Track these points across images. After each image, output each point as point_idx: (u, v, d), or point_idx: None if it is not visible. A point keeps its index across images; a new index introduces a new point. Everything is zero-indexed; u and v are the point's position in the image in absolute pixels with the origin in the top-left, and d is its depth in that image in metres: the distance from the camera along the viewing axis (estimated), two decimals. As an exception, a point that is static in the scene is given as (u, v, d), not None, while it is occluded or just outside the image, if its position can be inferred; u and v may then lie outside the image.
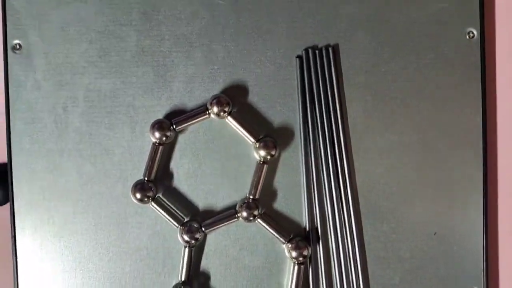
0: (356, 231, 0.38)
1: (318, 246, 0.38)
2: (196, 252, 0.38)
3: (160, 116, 0.38)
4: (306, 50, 0.38)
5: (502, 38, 0.39)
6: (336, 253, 0.38)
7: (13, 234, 0.37)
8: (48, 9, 0.37)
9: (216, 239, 0.38)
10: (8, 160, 0.37)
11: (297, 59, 0.38)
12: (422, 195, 0.38)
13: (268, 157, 0.37)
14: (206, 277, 0.38)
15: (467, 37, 0.38)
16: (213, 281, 0.38)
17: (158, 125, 0.36)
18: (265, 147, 0.36)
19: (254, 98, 0.38)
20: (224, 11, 0.38)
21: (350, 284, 0.38)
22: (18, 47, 0.37)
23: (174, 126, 0.37)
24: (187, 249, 0.37)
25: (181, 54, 0.38)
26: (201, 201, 0.38)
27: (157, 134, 0.36)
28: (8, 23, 0.37)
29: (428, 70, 0.38)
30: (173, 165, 0.38)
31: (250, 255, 0.38)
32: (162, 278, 0.38)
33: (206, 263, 0.38)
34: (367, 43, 0.38)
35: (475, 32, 0.38)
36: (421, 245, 0.38)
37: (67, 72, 0.38)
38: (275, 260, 0.38)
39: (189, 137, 0.38)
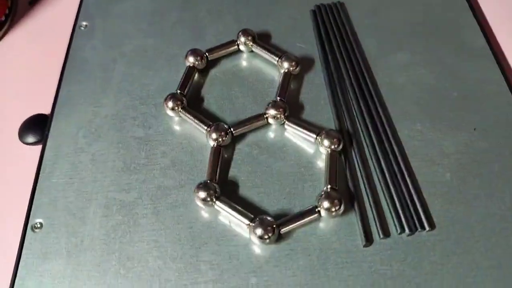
0: (390, 132, 0.36)
1: (351, 143, 0.36)
2: (224, 159, 0.36)
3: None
4: (317, 5, 0.45)
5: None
6: (371, 147, 0.35)
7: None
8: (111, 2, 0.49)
9: (245, 148, 0.37)
10: (53, 104, 0.41)
11: (311, 11, 0.45)
12: (448, 99, 0.38)
13: (291, 68, 0.39)
14: (234, 183, 0.35)
15: None
16: (241, 187, 0.35)
17: (192, 51, 0.41)
18: (287, 59, 0.40)
19: (276, 40, 0.43)
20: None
21: (393, 178, 0.34)
22: (84, 26, 0.47)
23: (207, 54, 0.41)
24: (214, 148, 0.36)
25: (214, 19, 0.46)
26: (229, 118, 0.39)
27: (191, 59, 0.41)
28: (81, 10, 0.48)
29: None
30: (204, 90, 0.41)
31: (281, 160, 0.36)
32: (186, 191, 0.35)
33: (234, 171, 0.36)
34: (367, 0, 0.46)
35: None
36: (463, 140, 0.36)
37: (120, 37, 0.45)
38: (307, 165, 0.35)
39: (220, 67, 0.42)
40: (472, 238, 0.31)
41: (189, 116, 0.38)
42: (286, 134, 0.37)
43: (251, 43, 0.42)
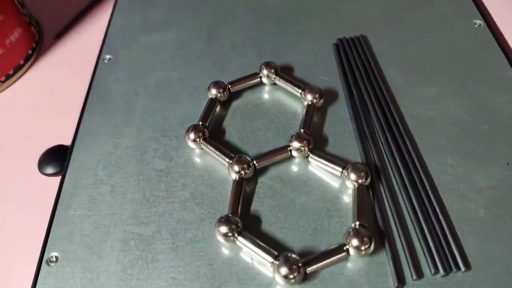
0: (418, 163, 0.35)
1: (379, 178, 0.34)
2: (247, 195, 0.35)
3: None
4: (340, 39, 0.45)
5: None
6: (401, 181, 0.34)
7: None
8: (135, 34, 0.49)
9: (268, 181, 0.36)
10: (74, 135, 0.41)
11: (333, 45, 0.45)
12: (479, 133, 0.37)
13: (315, 100, 0.39)
14: (256, 218, 0.34)
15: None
16: (264, 223, 0.33)
17: (214, 83, 0.41)
18: (311, 91, 0.39)
19: (299, 74, 0.43)
20: (269, 20, 0.48)
21: (425, 215, 0.32)
22: (108, 59, 0.47)
23: (229, 86, 0.41)
24: (236, 182, 0.34)
25: (237, 52, 0.46)
26: (251, 150, 0.38)
27: (213, 91, 0.40)
28: (105, 43, 0.49)
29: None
30: (226, 122, 0.40)
31: (305, 195, 0.34)
32: (206, 225, 0.34)
33: (257, 205, 0.34)
34: (390, 33, 0.45)
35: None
36: (496, 174, 0.34)
37: (143, 69, 0.46)
38: (332, 200, 0.34)
39: (242, 99, 0.41)
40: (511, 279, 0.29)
41: (210, 148, 0.37)
42: (310, 167, 0.36)
43: (274, 76, 0.41)
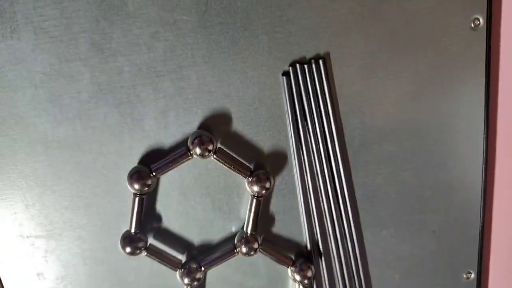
0: (357, 243, 0.37)
1: (320, 262, 0.38)
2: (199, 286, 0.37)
3: (135, 160, 0.33)
4: (293, 65, 0.33)
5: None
6: (339, 268, 0.38)
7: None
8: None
9: (218, 269, 0.37)
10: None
11: (283, 77, 0.33)
12: (420, 199, 0.37)
13: (263, 191, 0.34)
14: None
15: (472, 26, 0.34)
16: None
17: (136, 175, 0.32)
18: (259, 181, 0.33)
19: (238, 126, 0.34)
20: (190, 28, 0.31)
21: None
22: None
23: (154, 174, 0.33)
24: (189, 288, 0.36)
25: (147, 87, 0.32)
26: (196, 238, 0.36)
27: (136, 186, 0.32)
28: None
29: (429, 70, 0.34)
30: (160, 207, 0.35)
31: (253, 278, 0.38)
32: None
33: (209, 293, 0.38)
34: (362, 45, 0.33)
35: (481, 20, 0.33)
36: (419, 243, 0.39)
37: (17, 126, 0.32)
38: (279, 281, 0.38)
39: (173, 176, 0.34)
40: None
41: (155, 258, 0.35)
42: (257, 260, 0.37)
43: (211, 154, 0.33)
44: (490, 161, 0.37)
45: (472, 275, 0.40)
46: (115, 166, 0.33)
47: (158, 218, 0.35)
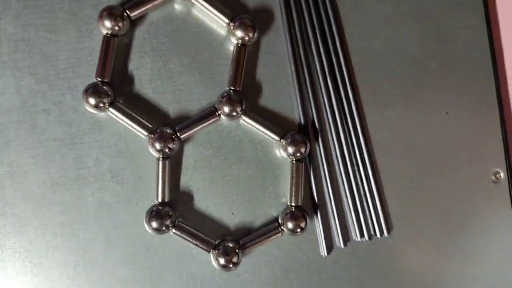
0: (358, 118, 0.32)
1: (316, 141, 0.32)
2: (174, 167, 0.31)
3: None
4: None
5: None
6: (339, 147, 0.32)
7: None
8: None
9: (196, 150, 0.31)
10: None
11: None
12: (427, 70, 0.33)
13: (247, 38, 0.30)
14: (188, 195, 0.31)
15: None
16: (197, 200, 0.31)
17: (107, 12, 0.29)
18: (242, 25, 0.30)
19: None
20: None
21: (357, 180, 0.32)
22: None
23: (128, 13, 0.30)
24: (160, 162, 0.30)
25: None
26: (171, 106, 0.31)
27: (107, 23, 0.29)
28: None
29: None
30: (132, 66, 0.31)
31: (238, 163, 0.32)
32: (133, 206, 0.31)
33: (186, 180, 0.31)
34: None
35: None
36: (433, 127, 0.33)
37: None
38: (267, 167, 0.32)
39: (149, 29, 0.31)
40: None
41: (121, 117, 0.30)
42: (242, 131, 0.32)
43: (191, -2, 0.30)
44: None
45: (502, 175, 0.34)
46: (89, 12, 0.30)
47: (130, 79, 0.31)
